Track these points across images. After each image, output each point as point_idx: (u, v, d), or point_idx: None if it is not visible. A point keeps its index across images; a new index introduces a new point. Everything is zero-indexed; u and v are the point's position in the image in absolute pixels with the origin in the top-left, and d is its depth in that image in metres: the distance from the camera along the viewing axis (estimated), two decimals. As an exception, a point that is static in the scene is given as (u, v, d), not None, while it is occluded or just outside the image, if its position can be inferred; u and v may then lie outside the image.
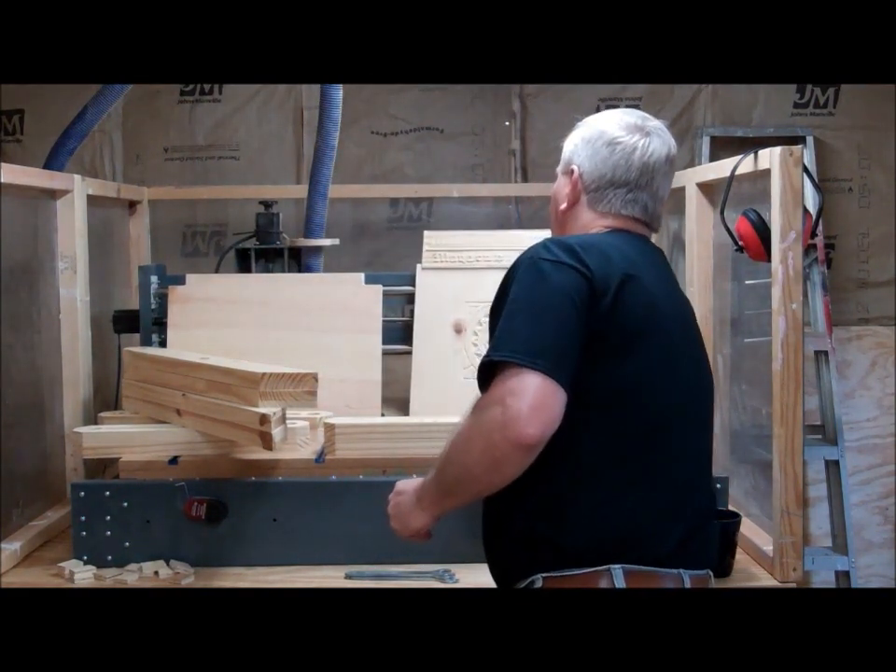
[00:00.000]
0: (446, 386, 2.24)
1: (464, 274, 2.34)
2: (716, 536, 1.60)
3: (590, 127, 1.59)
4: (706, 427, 1.58)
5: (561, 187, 1.63)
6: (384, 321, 2.29)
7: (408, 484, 1.57)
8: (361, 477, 1.95)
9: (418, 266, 2.35)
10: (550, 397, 1.36)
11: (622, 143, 1.54)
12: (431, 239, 2.40)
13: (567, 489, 1.43)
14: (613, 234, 1.56)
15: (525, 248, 1.51)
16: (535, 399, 1.35)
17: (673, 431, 1.48)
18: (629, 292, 1.45)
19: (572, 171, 1.59)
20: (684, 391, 1.51)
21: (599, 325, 1.43)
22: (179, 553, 1.92)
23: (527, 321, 1.42)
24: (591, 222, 1.59)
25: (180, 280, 2.33)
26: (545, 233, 1.69)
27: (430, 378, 2.27)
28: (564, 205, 1.61)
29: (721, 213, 2.02)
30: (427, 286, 2.33)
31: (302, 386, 1.83)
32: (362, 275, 2.33)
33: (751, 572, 1.90)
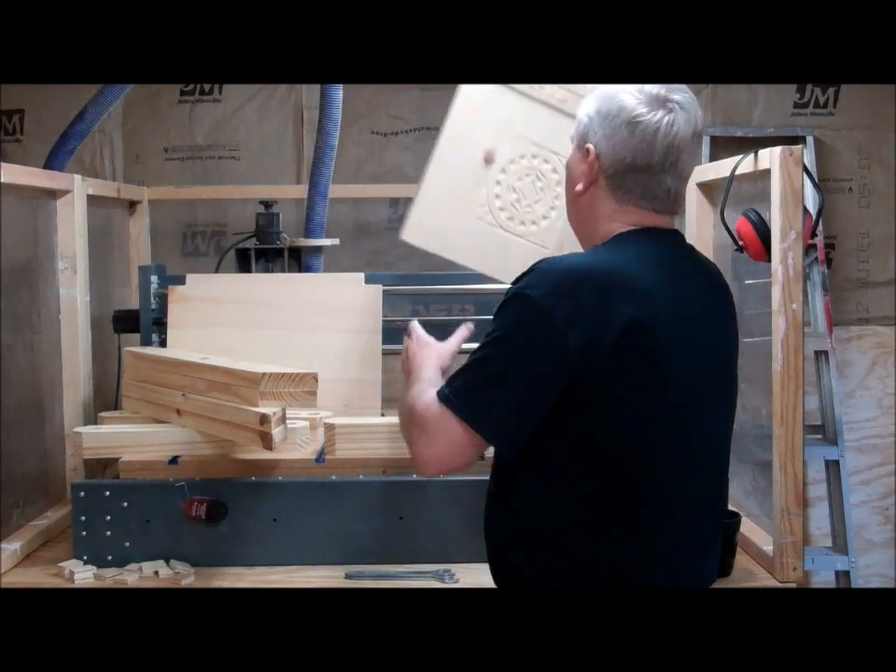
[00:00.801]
0: (454, 218, 1.90)
1: (524, 101, 1.90)
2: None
3: (607, 99, 1.42)
4: (717, 478, 1.48)
5: (575, 163, 1.49)
6: (383, 321, 2.29)
7: (432, 355, 1.65)
8: (361, 477, 1.95)
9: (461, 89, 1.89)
10: (463, 453, 1.39)
11: (643, 122, 1.38)
12: None
13: (551, 529, 1.39)
14: (637, 240, 1.43)
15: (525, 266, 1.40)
16: (445, 450, 1.39)
17: (672, 485, 1.38)
18: (629, 346, 1.32)
19: (588, 150, 1.45)
20: (690, 445, 1.39)
21: (576, 388, 1.32)
22: (179, 553, 1.92)
23: (489, 370, 1.37)
24: (611, 216, 1.45)
25: (180, 280, 2.33)
26: None
27: (438, 203, 1.91)
28: (580, 187, 1.47)
29: (721, 213, 2.02)
30: (470, 100, 1.89)
31: (302, 386, 1.83)
32: (362, 275, 2.33)
33: (751, 572, 1.90)
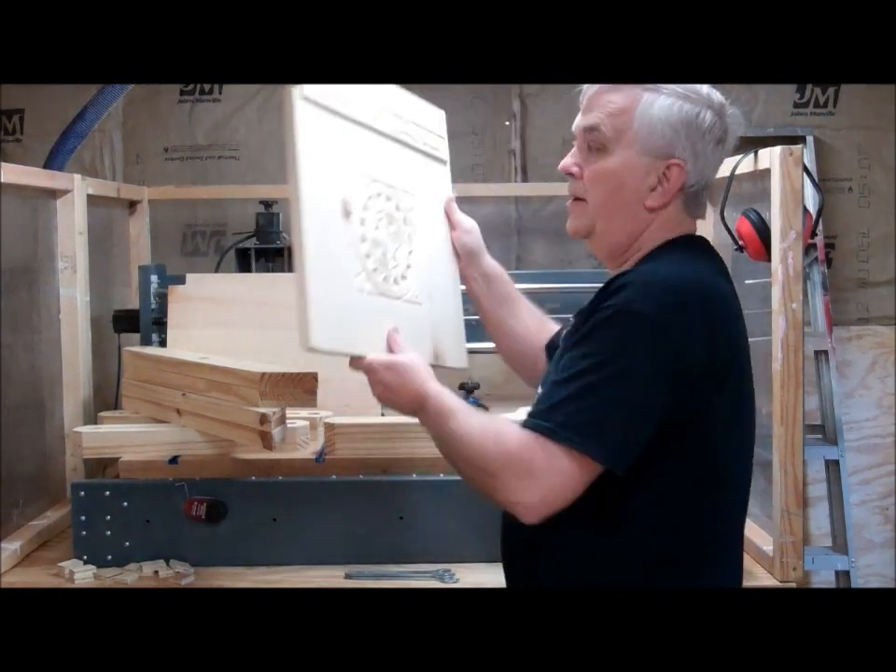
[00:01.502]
0: (343, 299, 1.44)
1: (361, 133, 1.53)
2: None
3: (693, 107, 1.34)
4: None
5: (640, 173, 1.36)
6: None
7: (418, 374, 1.38)
8: (361, 477, 1.95)
9: (294, 91, 1.42)
10: (576, 489, 1.26)
11: (728, 140, 1.38)
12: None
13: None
14: (696, 249, 1.39)
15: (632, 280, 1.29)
16: (558, 490, 1.25)
17: (745, 503, 1.41)
18: (734, 364, 1.31)
19: (674, 165, 1.34)
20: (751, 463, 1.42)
21: (684, 406, 1.27)
22: (179, 552, 1.92)
23: (604, 396, 1.25)
24: (672, 227, 1.39)
25: (180, 280, 2.33)
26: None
27: (326, 286, 1.41)
28: (654, 202, 1.36)
29: (721, 213, 2.02)
30: (313, 128, 1.44)
31: (302, 386, 1.83)
32: (362, 275, 2.32)
33: (751, 572, 1.90)
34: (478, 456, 1.30)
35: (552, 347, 1.55)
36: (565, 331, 1.47)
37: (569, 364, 1.29)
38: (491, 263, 1.67)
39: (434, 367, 1.46)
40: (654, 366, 1.25)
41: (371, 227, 1.49)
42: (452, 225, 1.66)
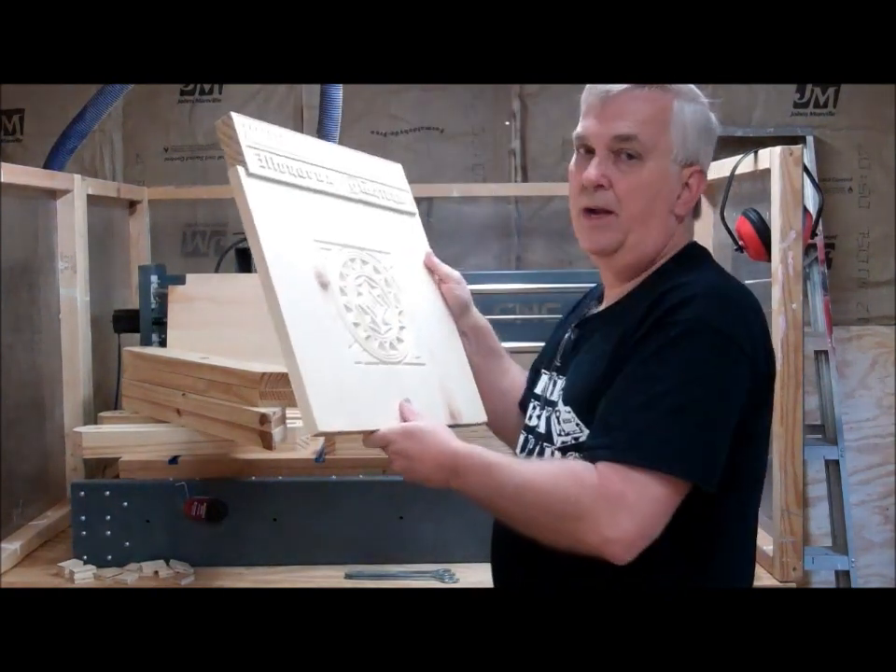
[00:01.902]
0: (341, 376, 1.34)
1: (319, 200, 1.47)
2: None
3: (705, 110, 1.35)
4: None
5: (672, 182, 1.33)
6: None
7: (441, 437, 1.30)
8: (361, 477, 1.95)
9: (239, 170, 1.39)
10: (668, 513, 1.20)
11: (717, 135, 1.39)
12: (242, 127, 1.43)
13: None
14: (708, 256, 1.39)
15: (687, 283, 1.26)
16: (651, 520, 1.19)
17: None
18: (774, 368, 1.33)
19: (697, 171, 1.34)
20: None
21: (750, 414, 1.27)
22: (179, 552, 1.92)
23: (692, 415, 1.20)
24: (685, 232, 1.38)
25: (180, 280, 2.33)
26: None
27: (320, 365, 1.32)
28: (681, 211, 1.35)
29: (721, 213, 2.02)
30: (268, 206, 1.38)
31: (302, 386, 1.82)
32: (362, 275, 2.31)
33: (751, 572, 1.90)
34: (554, 502, 1.21)
35: (524, 404, 1.51)
36: (568, 342, 1.42)
37: (643, 385, 1.22)
38: (479, 316, 1.60)
39: (452, 427, 1.39)
40: (737, 382, 1.23)
41: (353, 294, 1.42)
42: (441, 278, 1.58)
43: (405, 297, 1.51)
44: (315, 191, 1.47)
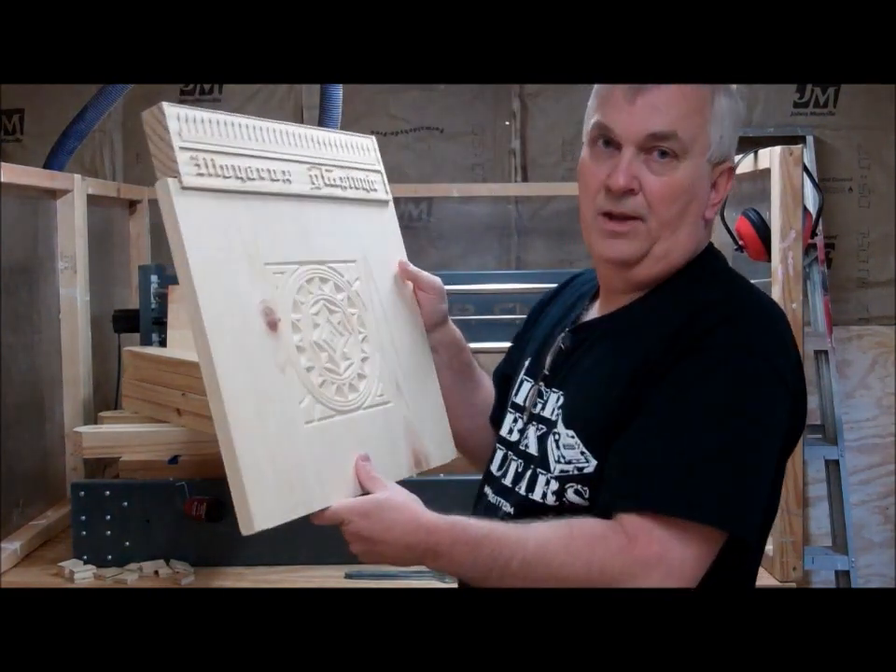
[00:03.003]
0: (290, 453, 1.13)
1: (253, 207, 1.20)
2: None
3: (738, 102, 1.23)
4: None
5: (706, 182, 1.19)
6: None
7: (407, 512, 1.11)
8: (361, 477, 1.94)
9: (170, 183, 1.12)
10: (705, 567, 1.09)
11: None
12: (176, 121, 1.15)
13: None
14: (724, 259, 1.28)
15: (720, 299, 1.15)
16: (690, 580, 1.08)
17: None
18: None
19: (730, 169, 1.22)
20: None
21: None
22: (179, 552, 1.92)
23: (737, 459, 1.07)
24: (707, 234, 1.26)
25: (180, 280, 2.33)
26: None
27: (263, 442, 1.10)
28: (710, 214, 1.22)
29: (721, 212, 2.02)
30: (201, 233, 1.13)
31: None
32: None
33: (751, 572, 1.90)
34: (574, 573, 1.08)
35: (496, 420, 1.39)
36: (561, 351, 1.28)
37: (675, 422, 1.08)
38: (454, 330, 1.43)
39: (419, 475, 1.28)
40: (779, 417, 1.12)
41: (308, 328, 1.19)
42: (422, 288, 1.38)
43: (371, 315, 1.31)
44: (269, 195, 1.22)
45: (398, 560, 1.13)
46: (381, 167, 1.45)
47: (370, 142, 1.45)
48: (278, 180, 1.24)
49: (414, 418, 1.32)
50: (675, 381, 1.10)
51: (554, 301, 1.42)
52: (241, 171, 1.20)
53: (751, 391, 1.09)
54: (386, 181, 1.45)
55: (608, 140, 1.19)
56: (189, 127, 1.16)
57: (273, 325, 1.15)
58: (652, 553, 1.06)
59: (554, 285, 1.48)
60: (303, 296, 1.21)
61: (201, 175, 1.14)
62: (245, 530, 1.07)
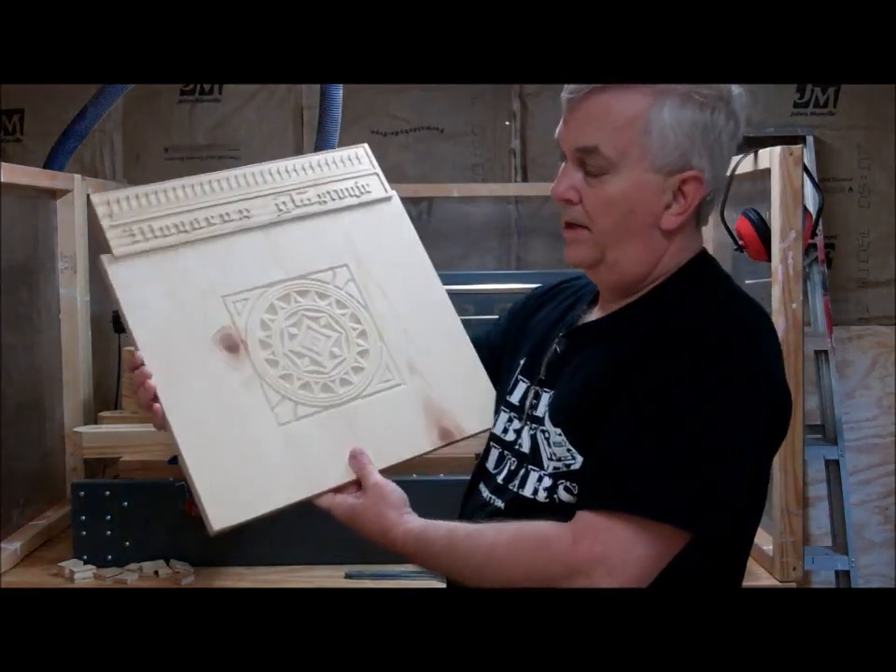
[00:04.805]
0: (249, 451, 1.26)
1: (203, 250, 1.33)
2: None
3: (705, 106, 1.18)
4: None
5: (653, 192, 1.19)
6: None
7: (378, 520, 1.26)
8: (361, 477, 1.94)
9: (103, 259, 1.30)
10: (660, 566, 1.10)
11: (739, 130, 1.22)
12: (105, 206, 1.33)
13: None
14: (719, 268, 1.28)
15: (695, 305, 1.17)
16: (643, 579, 1.10)
17: None
18: None
19: (693, 177, 1.18)
20: None
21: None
22: (179, 552, 1.92)
23: (700, 466, 1.08)
24: (688, 245, 1.24)
25: (180, 280, 2.33)
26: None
27: (215, 452, 1.29)
28: (670, 224, 1.20)
29: (721, 212, 2.02)
30: (140, 289, 1.28)
31: (302, 386, 1.82)
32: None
33: (751, 571, 1.90)
34: (511, 580, 1.14)
35: None
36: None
37: (642, 421, 1.11)
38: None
39: (454, 443, 1.34)
40: (753, 421, 1.13)
41: (281, 341, 1.29)
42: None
43: (369, 310, 1.38)
44: (223, 235, 1.34)
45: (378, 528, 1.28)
46: (376, 169, 1.52)
47: (361, 150, 1.52)
48: (232, 220, 1.36)
49: (437, 394, 1.37)
50: (647, 385, 1.13)
51: (551, 300, 1.43)
52: (184, 225, 1.33)
53: (720, 393, 1.10)
54: (384, 180, 1.51)
55: (562, 152, 1.26)
56: (120, 206, 1.32)
57: (233, 348, 1.27)
58: (594, 553, 1.09)
59: (554, 285, 1.50)
60: (273, 314, 1.32)
61: (136, 241, 1.30)
62: (209, 529, 1.22)
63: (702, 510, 1.10)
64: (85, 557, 1.91)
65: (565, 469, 1.21)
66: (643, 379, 1.13)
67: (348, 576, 1.88)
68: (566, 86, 1.25)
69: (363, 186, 1.48)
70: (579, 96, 1.21)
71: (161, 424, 1.28)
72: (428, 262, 1.47)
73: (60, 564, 1.91)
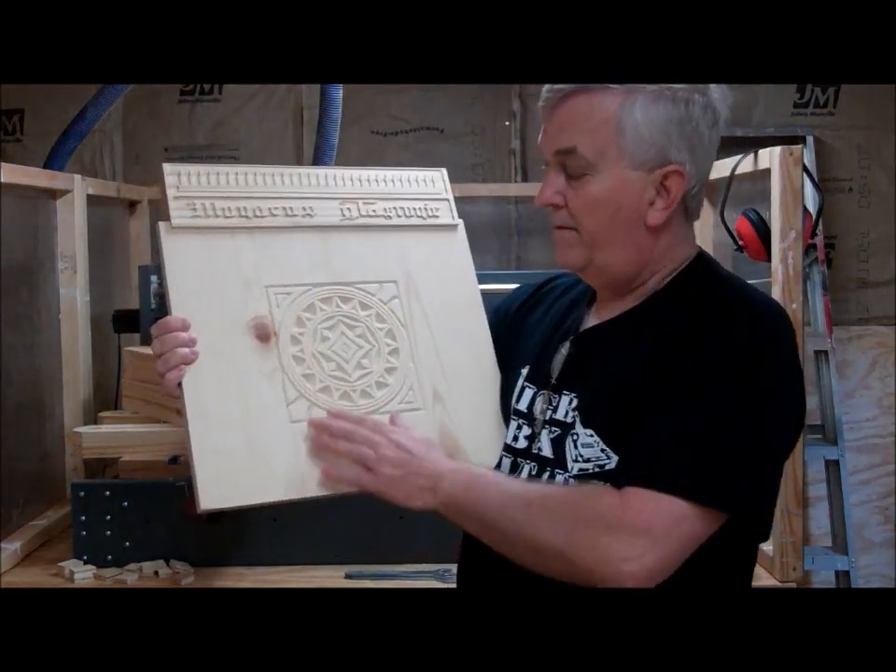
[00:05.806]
0: (257, 439, 1.26)
1: (254, 238, 1.34)
2: None
3: (678, 99, 1.20)
4: None
5: (636, 190, 1.20)
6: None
7: (425, 448, 1.26)
8: (361, 477, 1.94)
9: (161, 225, 1.32)
10: (693, 547, 1.13)
11: (719, 120, 1.22)
12: (175, 176, 1.35)
13: None
14: (719, 266, 1.29)
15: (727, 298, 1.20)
16: (676, 559, 1.12)
17: None
18: None
19: (674, 171, 1.19)
20: None
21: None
22: (179, 552, 1.92)
23: (740, 448, 1.12)
24: (681, 241, 1.26)
25: (180, 280, 2.33)
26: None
27: (224, 434, 1.26)
28: (656, 220, 1.21)
29: (721, 212, 2.02)
30: (187, 262, 1.30)
31: (302, 386, 1.82)
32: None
33: (751, 572, 1.90)
34: (582, 511, 1.14)
35: None
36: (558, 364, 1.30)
37: (687, 408, 1.13)
38: None
39: None
40: (794, 411, 1.19)
41: (310, 341, 1.30)
42: None
43: (408, 329, 1.37)
44: (281, 229, 1.35)
45: (404, 486, 1.30)
46: (449, 195, 1.51)
47: (438, 174, 1.51)
48: (295, 216, 1.37)
49: (454, 426, 1.36)
50: (688, 374, 1.15)
51: (540, 303, 1.43)
52: (247, 210, 1.34)
53: (766, 383, 1.14)
54: (454, 207, 1.50)
55: (546, 160, 1.27)
56: (189, 180, 1.34)
57: (263, 338, 1.28)
58: (641, 521, 1.11)
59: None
60: (312, 313, 1.32)
61: (196, 216, 1.31)
62: (197, 508, 1.22)
63: (746, 495, 1.14)
64: (85, 557, 1.91)
65: (597, 469, 1.21)
66: (683, 373, 1.15)
67: (348, 576, 1.88)
68: (544, 89, 1.26)
69: (432, 209, 1.47)
70: (554, 100, 1.23)
71: (173, 390, 1.26)
72: (479, 297, 1.45)
73: (60, 564, 1.91)
